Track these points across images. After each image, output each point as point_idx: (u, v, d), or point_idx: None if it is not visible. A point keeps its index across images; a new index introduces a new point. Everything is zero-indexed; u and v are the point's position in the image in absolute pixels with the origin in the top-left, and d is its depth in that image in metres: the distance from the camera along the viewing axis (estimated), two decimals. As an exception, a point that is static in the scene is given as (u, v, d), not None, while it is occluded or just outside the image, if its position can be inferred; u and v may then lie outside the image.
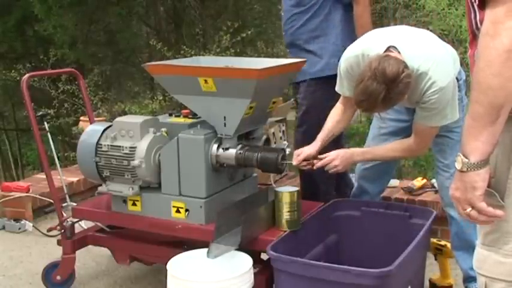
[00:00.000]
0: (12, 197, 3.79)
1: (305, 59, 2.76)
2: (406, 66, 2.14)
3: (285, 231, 2.34)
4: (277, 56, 8.58)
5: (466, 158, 1.28)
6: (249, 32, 7.46)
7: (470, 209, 1.31)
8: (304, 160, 2.50)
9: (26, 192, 3.80)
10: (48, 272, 2.81)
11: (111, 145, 2.50)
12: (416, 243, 2.14)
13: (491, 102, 1.22)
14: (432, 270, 2.77)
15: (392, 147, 2.50)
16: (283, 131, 3.98)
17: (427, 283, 2.65)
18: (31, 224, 3.72)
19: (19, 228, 3.70)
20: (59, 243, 2.84)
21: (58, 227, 2.85)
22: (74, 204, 3.08)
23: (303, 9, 2.99)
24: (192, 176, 2.44)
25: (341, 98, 2.60)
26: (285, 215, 2.35)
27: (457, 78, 2.37)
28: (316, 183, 3.14)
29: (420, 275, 2.41)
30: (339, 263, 2.08)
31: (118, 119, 2.59)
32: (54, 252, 3.12)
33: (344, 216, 2.61)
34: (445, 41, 2.54)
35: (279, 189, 2.40)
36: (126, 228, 2.70)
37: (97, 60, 9.52)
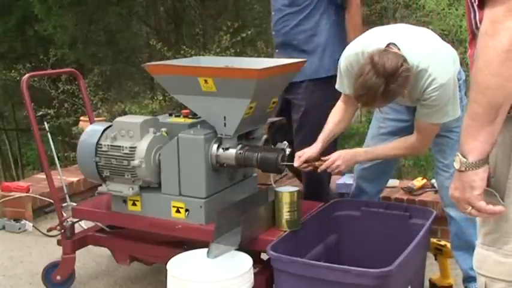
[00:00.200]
0: (12, 197, 3.79)
1: (305, 59, 2.76)
2: (405, 60, 2.14)
3: (285, 231, 2.34)
4: (277, 56, 8.54)
5: (465, 157, 1.28)
6: (249, 32, 7.46)
7: (470, 208, 1.31)
8: (306, 162, 2.49)
9: (26, 192, 3.80)
10: (48, 272, 2.81)
11: (111, 145, 2.50)
12: (416, 243, 2.14)
13: (489, 102, 1.22)
14: (432, 270, 2.77)
15: (394, 146, 2.49)
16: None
17: (427, 283, 2.65)
18: (31, 224, 3.72)
19: (19, 228, 3.70)
20: (59, 243, 2.84)
21: (58, 227, 2.85)
22: (74, 204, 3.08)
23: (296, 9, 2.99)
24: (192, 176, 2.44)
25: (342, 96, 2.60)
26: (285, 215, 2.35)
27: (457, 79, 2.37)
28: (322, 183, 3.15)
29: (420, 275, 2.41)
30: (339, 263, 2.08)
31: (118, 119, 2.59)
32: (54, 252, 3.12)
33: (344, 216, 2.61)
34: (445, 41, 2.54)
35: (279, 189, 2.40)
36: (126, 228, 2.70)
37: (97, 60, 9.52)
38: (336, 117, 2.60)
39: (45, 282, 2.82)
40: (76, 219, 2.86)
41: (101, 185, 2.62)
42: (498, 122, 1.24)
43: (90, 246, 2.92)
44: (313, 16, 2.99)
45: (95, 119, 3.22)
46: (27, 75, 2.86)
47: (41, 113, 3.09)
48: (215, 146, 2.44)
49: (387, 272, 1.89)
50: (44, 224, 3.73)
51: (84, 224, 3.11)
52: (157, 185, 2.53)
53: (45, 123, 3.06)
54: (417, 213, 2.51)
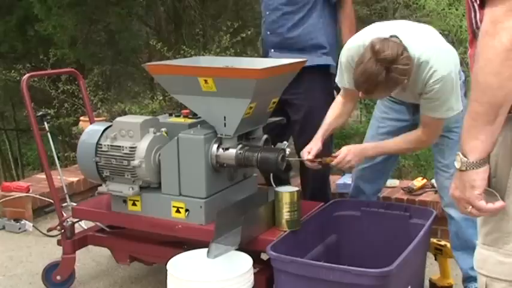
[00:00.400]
0: (12, 197, 3.79)
1: (305, 59, 2.76)
2: (405, 49, 2.16)
3: (285, 231, 2.34)
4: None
5: (465, 157, 1.28)
6: (249, 32, 7.45)
7: (470, 207, 1.31)
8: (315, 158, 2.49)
9: (26, 192, 3.80)
10: (48, 272, 2.81)
11: (111, 145, 2.50)
12: (416, 243, 2.14)
13: (490, 101, 1.22)
14: (432, 270, 2.77)
15: (403, 140, 2.48)
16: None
17: (427, 283, 2.65)
18: (31, 224, 3.72)
19: (19, 228, 3.70)
20: (59, 243, 2.84)
21: (58, 227, 2.85)
22: (74, 204, 3.07)
23: (294, 9, 2.98)
24: (192, 176, 2.44)
25: (341, 91, 2.60)
26: (285, 215, 2.36)
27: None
28: (326, 183, 3.15)
29: (420, 275, 2.42)
30: (339, 263, 2.08)
31: (118, 119, 2.59)
32: (54, 252, 3.12)
33: (344, 216, 2.61)
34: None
35: (279, 189, 2.40)
36: (126, 228, 2.70)
37: (97, 60, 9.51)
38: (335, 112, 2.60)
39: (45, 282, 2.82)
40: (76, 219, 2.86)
41: (100, 185, 2.62)
42: (499, 122, 1.24)
43: (90, 246, 2.92)
44: (310, 15, 2.99)
45: (95, 119, 3.21)
46: (27, 75, 2.87)
47: (41, 113, 3.08)
48: (215, 146, 2.44)
49: (387, 272, 1.89)
50: (44, 224, 3.73)
51: (84, 224, 3.11)
52: (157, 185, 2.53)
53: (45, 123, 3.06)
54: (417, 213, 2.51)
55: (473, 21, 1.32)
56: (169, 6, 10.34)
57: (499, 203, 1.30)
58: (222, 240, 2.26)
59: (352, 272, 1.91)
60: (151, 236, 2.61)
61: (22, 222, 3.72)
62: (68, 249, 2.77)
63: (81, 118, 5.54)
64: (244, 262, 2.20)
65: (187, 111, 2.61)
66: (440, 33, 2.47)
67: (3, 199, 3.79)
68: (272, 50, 3.09)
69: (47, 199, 3.74)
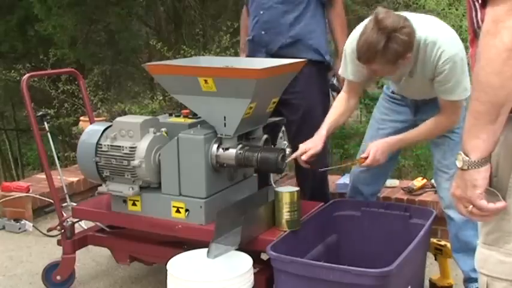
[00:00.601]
0: (12, 197, 3.79)
1: (305, 59, 2.76)
2: (407, 21, 2.18)
3: (285, 231, 2.34)
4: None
5: (467, 156, 1.28)
6: (249, 32, 7.46)
7: (471, 207, 1.31)
8: (311, 157, 2.47)
9: (26, 192, 3.80)
10: (48, 272, 2.81)
11: (111, 145, 2.50)
12: (416, 243, 2.14)
13: (491, 100, 1.22)
14: (432, 270, 2.77)
15: (426, 128, 2.45)
16: (283, 131, 3.97)
17: (427, 283, 2.65)
18: (31, 224, 3.72)
19: (19, 228, 3.70)
20: (59, 243, 2.84)
21: (58, 227, 2.85)
22: (74, 204, 3.07)
23: (290, 8, 2.98)
24: (192, 176, 2.44)
25: (345, 85, 2.61)
26: (285, 215, 2.35)
27: None
28: (326, 183, 3.15)
29: (420, 275, 2.42)
30: (339, 263, 2.08)
31: (118, 119, 2.59)
32: (54, 252, 3.12)
33: (344, 216, 2.61)
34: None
35: (279, 189, 2.40)
36: (126, 228, 2.70)
37: (97, 60, 9.51)
38: (338, 108, 2.60)
39: (45, 282, 2.82)
40: (76, 219, 2.86)
41: (100, 185, 2.62)
42: (500, 121, 1.24)
43: (90, 246, 2.92)
44: (305, 15, 2.99)
45: (95, 119, 3.21)
46: (27, 75, 2.87)
47: (41, 113, 3.08)
48: (215, 146, 2.44)
49: (387, 272, 1.89)
50: (44, 224, 3.73)
51: (84, 224, 3.11)
52: (157, 185, 2.53)
53: (45, 123, 3.06)
54: (417, 213, 2.51)
55: (474, 20, 1.32)
56: (169, 6, 10.33)
57: (500, 203, 1.30)
58: (222, 240, 2.26)
59: (352, 272, 1.91)
60: (151, 236, 2.61)
61: (22, 222, 3.72)
62: (68, 249, 2.77)
63: (81, 118, 5.54)
64: (244, 262, 2.20)
65: (187, 111, 2.61)
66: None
67: (3, 199, 3.79)
68: (265, 50, 3.06)
69: (47, 199, 3.74)
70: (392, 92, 2.70)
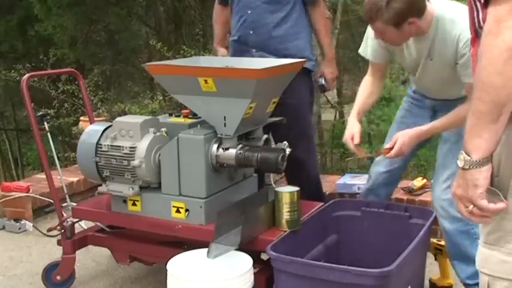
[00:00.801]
0: (12, 197, 3.79)
1: (305, 59, 2.76)
2: None
3: (285, 231, 2.34)
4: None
5: (468, 155, 1.28)
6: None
7: (471, 206, 1.31)
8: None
9: (26, 192, 3.80)
10: (48, 272, 2.81)
11: (111, 145, 2.50)
12: (416, 243, 2.14)
13: (493, 100, 1.22)
14: (432, 270, 2.77)
15: (454, 115, 2.37)
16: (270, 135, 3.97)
17: (427, 283, 2.65)
18: (31, 224, 3.72)
19: (19, 228, 3.70)
20: (59, 243, 2.84)
21: (58, 227, 2.85)
22: (74, 204, 3.08)
23: (277, 7, 2.99)
24: (192, 176, 2.44)
25: (369, 69, 2.63)
26: (285, 215, 2.35)
27: None
28: (320, 184, 3.15)
29: (420, 275, 2.41)
30: (339, 263, 2.08)
31: (118, 119, 2.59)
32: (54, 252, 3.12)
33: (344, 216, 2.61)
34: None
35: (279, 189, 2.40)
36: (126, 228, 2.70)
37: (97, 60, 9.51)
38: (365, 91, 2.62)
39: (45, 282, 2.82)
40: (76, 219, 2.86)
41: (100, 185, 2.62)
42: (502, 121, 1.24)
43: (90, 246, 2.92)
44: (291, 14, 3.02)
45: (95, 119, 3.21)
46: (27, 75, 2.86)
47: (41, 113, 3.08)
48: (215, 146, 2.44)
49: (387, 272, 1.89)
50: (44, 224, 3.73)
51: (84, 224, 3.11)
52: (157, 185, 2.53)
53: (45, 123, 3.06)
54: (417, 213, 2.51)
55: (476, 20, 1.32)
56: (169, 6, 10.34)
57: (500, 204, 1.30)
58: (222, 240, 2.26)
59: (352, 272, 1.91)
60: (151, 236, 2.61)
61: (22, 222, 3.72)
62: (68, 249, 2.77)
63: (81, 118, 5.54)
64: (244, 262, 2.20)
65: (187, 111, 2.61)
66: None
67: (3, 199, 3.79)
68: (254, 50, 3.08)
69: (47, 199, 3.74)
70: (414, 92, 2.69)
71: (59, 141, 9.23)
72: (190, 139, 2.43)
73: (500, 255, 1.36)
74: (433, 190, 2.61)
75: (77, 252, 2.81)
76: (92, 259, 3.22)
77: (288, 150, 2.51)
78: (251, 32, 3.06)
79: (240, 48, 3.11)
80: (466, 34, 2.20)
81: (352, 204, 2.66)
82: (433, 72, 2.43)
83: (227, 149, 2.44)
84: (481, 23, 1.29)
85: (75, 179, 4.03)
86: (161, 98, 7.15)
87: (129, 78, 11.20)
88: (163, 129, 2.55)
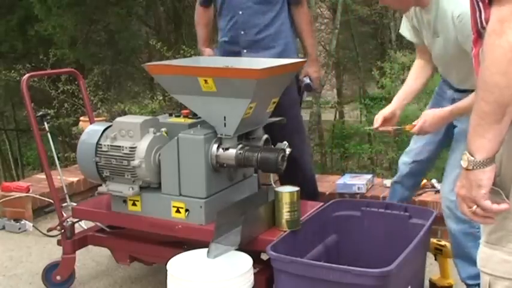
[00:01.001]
0: (12, 197, 3.79)
1: (305, 59, 2.77)
2: None
3: (285, 231, 2.34)
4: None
5: (472, 156, 1.28)
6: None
7: (475, 207, 1.31)
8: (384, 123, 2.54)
9: (26, 192, 3.80)
10: (48, 272, 2.81)
11: (111, 145, 2.50)
12: (416, 243, 2.14)
13: (497, 100, 1.22)
14: (432, 270, 2.77)
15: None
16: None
17: (427, 283, 2.65)
18: (31, 224, 3.72)
19: (19, 228, 3.70)
20: (59, 243, 2.84)
21: (58, 227, 2.85)
22: (74, 204, 3.08)
23: (269, 8, 3.02)
24: (192, 176, 2.44)
25: (417, 52, 2.66)
26: (285, 215, 2.35)
27: None
28: (316, 184, 3.15)
29: (420, 275, 2.41)
30: (339, 263, 2.08)
31: (118, 119, 2.59)
32: (54, 252, 3.12)
33: (344, 216, 2.61)
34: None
35: (279, 189, 2.40)
36: (126, 228, 2.70)
37: (97, 60, 9.52)
38: (413, 75, 2.64)
39: (45, 282, 2.82)
40: (76, 219, 2.86)
41: (101, 185, 2.62)
42: (506, 121, 1.24)
43: (90, 246, 2.92)
44: (281, 14, 3.07)
45: (95, 119, 3.21)
46: (27, 75, 2.86)
47: (41, 113, 3.08)
48: (215, 146, 2.44)
49: (387, 272, 1.89)
50: (44, 224, 3.73)
51: (84, 224, 3.11)
52: (157, 185, 2.53)
53: (45, 123, 3.06)
54: (417, 213, 2.51)
55: (478, 20, 1.32)
56: (169, 6, 10.34)
57: (503, 205, 1.30)
58: (222, 240, 2.26)
59: (352, 272, 1.91)
60: (151, 236, 2.61)
61: (22, 222, 3.72)
62: (68, 249, 2.77)
63: (81, 118, 5.54)
64: (244, 262, 2.20)
65: (187, 111, 2.61)
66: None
67: (3, 199, 3.78)
68: (245, 51, 3.11)
69: (47, 199, 3.74)
70: (442, 81, 2.68)
71: (59, 141, 9.24)
72: (190, 139, 2.43)
73: (501, 255, 1.36)
74: (442, 189, 2.63)
75: (77, 252, 2.81)
76: (92, 259, 3.22)
77: (288, 150, 2.51)
78: (242, 32, 3.11)
79: (231, 49, 3.16)
80: (458, 9, 2.21)
81: (352, 204, 2.66)
82: (441, 49, 2.44)
83: (227, 149, 2.44)
84: (484, 23, 1.29)
85: (75, 179, 4.03)
86: (161, 98, 7.17)
87: (129, 78, 11.22)
88: (163, 129, 2.55)
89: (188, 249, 2.35)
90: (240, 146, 2.47)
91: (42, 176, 3.82)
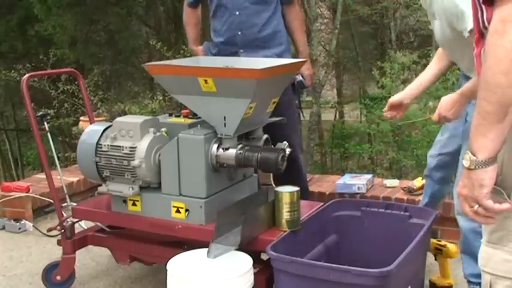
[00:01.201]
0: (12, 197, 3.79)
1: (305, 59, 2.77)
2: None
3: (285, 231, 2.34)
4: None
5: (474, 155, 1.28)
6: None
7: (476, 206, 1.31)
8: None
9: (26, 192, 3.80)
10: (48, 272, 2.81)
11: (111, 145, 2.50)
12: (416, 243, 2.14)
13: (499, 100, 1.22)
14: (432, 270, 2.77)
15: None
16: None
17: (427, 283, 2.65)
18: (31, 224, 3.72)
19: (19, 228, 3.70)
20: (59, 243, 2.84)
21: (58, 227, 2.85)
22: (74, 204, 3.08)
23: (265, 7, 3.04)
24: (192, 176, 2.44)
25: None
26: (285, 215, 2.35)
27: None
28: (307, 182, 3.16)
29: (420, 275, 2.41)
30: (339, 263, 2.08)
31: (118, 119, 2.59)
32: (54, 252, 3.12)
33: (344, 216, 2.61)
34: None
35: (279, 189, 2.40)
36: (126, 228, 2.70)
37: (97, 60, 9.53)
38: (430, 63, 2.63)
39: (45, 282, 2.82)
40: (76, 219, 2.86)
41: (100, 185, 2.62)
42: (508, 120, 1.24)
43: (90, 246, 2.92)
44: (276, 13, 3.10)
45: (95, 119, 3.21)
46: (27, 75, 2.86)
47: (41, 113, 3.08)
48: (215, 146, 2.44)
49: (387, 272, 1.89)
50: (44, 224, 3.73)
51: (84, 224, 3.11)
52: (157, 185, 2.53)
53: (45, 123, 3.06)
54: (417, 213, 2.51)
55: (480, 20, 1.32)
56: (169, 6, 10.35)
57: (505, 205, 1.30)
58: (222, 240, 2.26)
59: (352, 272, 1.91)
60: (151, 236, 2.61)
61: (22, 222, 3.72)
62: (68, 249, 2.77)
63: (81, 118, 5.54)
64: (244, 262, 2.20)
65: (187, 111, 2.61)
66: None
67: (3, 199, 3.78)
68: (241, 51, 3.12)
69: (47, 199, 3.74)
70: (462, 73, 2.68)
71: (59, 141, 9.24)
72: (190, 139, 2.43)
73: (503, 254, 1.36)
74: (454, 186, 2.64)
75: (77, 252, 2.81)
76: (92, 259, 3.22)
77: (288, 150, 2.51)
78: (239, 32, 3.12)
79: (227, 49, 3.16)
80: None
81: (352, 204, 2.66)
82: (439, 32, 2.43)
83: (227, 149, 2.44)
84: (486, 23, 1.29)
85: (75, 179, 4.03)
86: (161, 98, 7.17)
87: (129, 78, 11.22)
88: (163, 129, 2.55)
89: (188, 249, 2.35)
90: (240, 146, 2.47)
91: (42, 176, 3.82)
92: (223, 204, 2.45)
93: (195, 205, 2.44)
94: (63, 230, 2.77)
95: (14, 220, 3.74)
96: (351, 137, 12.47)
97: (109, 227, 2.81)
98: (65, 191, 3.21)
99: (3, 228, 3.74)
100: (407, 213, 2.52)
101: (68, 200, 3.16)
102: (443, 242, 2.65)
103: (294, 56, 3.31)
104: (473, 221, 2.43)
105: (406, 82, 8.86)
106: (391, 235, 2.47)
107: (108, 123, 2.63)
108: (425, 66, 2.81)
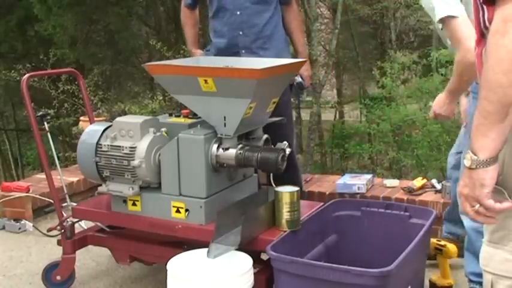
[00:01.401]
0: (12, 197, 3.79)
1: (305, 59, 2.77)
2: None
3: (285, 231, 2.34)
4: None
5: (475, 155, 1.28)
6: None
7: (477, 206, 1.31)
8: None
9: (26, 192, 3.80)
10: (48, 272, 2.81)
11: (111, 145, 2.50)
12: (416, 243, 2.14)
13: (500, 100, 1.22)
14: (432, 270, 2.77)
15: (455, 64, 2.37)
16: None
17: (427, 283, 2.65)
18: (31, 224, 3.72)
19: (19, 228, 3.70)
20: (59, 243, 2.84)
21: (58, 227, 2.85)
22: (74, 204, 3.07)
23: (266, 7, 3.05)
24: (192, 176, 2.44)
25: None
26: (285, 215, 2.35)
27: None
28: (298, 174, 3.18)
29: (420, 275, 2.41)
30: (339, 263, 2.08)
31: (118, 119, 2.59)
32: (54, 252, 3.12)
33: (344, 216, 2.61)
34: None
35: (279, 189, 2.40)
36: (126, 228, 2.70)
37: (97, 60, 9.53)
38: None
39: (45, 282, 2.82)
40: (76, 219, 2.86)
41: (100, 185, 2.62)
42: (509, 120, 1.24)
43: (90, 246, 2.92)
44: (276, 13, 3.11)
45: (95, 119, 3.21)
46: (27, 75, 2.86)
47: (41, 113, 3.08)
48: (215, 146, 2.44)
49: (387, 272, 1.89)
50: (44, 224, 3.73)
51: (84, 224, 3.11)
52: (157, 185, 2.53)
53: (45, 123, 3.06)
54: (417, 213, 2.51)
55: (481, 20, 1.32)
56: (169, 6, 10.34)
57: (506, 204, 1.30)
58: (222, 240, 2.26)
59: (352, 272, 1.91)
60: (151, 236, 2.61)
61: (22, 222, 3.72)
62: (68, 249, 2.77)
63: (81, 118, 5.54)
64: (244, 262, 2.20)
65: (187, 111, 2.61)
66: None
67: (3, 199, 3.78)
68: (243, 51, 3.12)
69: (47, 199, 3.74)
70: None
71: (59, 141, 9.24)
72: (190, 139, 2.43)
73: (504, 254, 1.36)
74: (456, 186, 2.64)
75: (77, 252, 2.81)
76: (92, 259, 3.22)
77: (288, 150, 2.51)
78: (240, 33, 3.12)
79: (228, 50, 3.16)
80: None
81: (352, 204, 2.66)
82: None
83: (227, 149, 2.44)
84: (486, 23, 1.29)
85: (75, 179, 4.03)
86: (161, 98, 7.17)
87: (129, 78, 11.22)
88: (163, 129, 2.55)
89: (188, 249, 2.35)
90: (240, 146, 2.47)
91: (42, 176, 3.82)
92: (223, 204, 2.45)
93: (195, 205, 2.44)
94: (63, 230, 2.77)
95: (14, 220, 3.74)
96: (351, 137, 12.47)
97: (109, 227, 2.81)
98: (65, 191, 3.21)
99: (3, 228, 3.74)
100: (407, 213, 2.52)
101: (68, 200, 3.16)
102: (443, 242, 2.66)
103: (293, 57, 3.32)
104: (475, 221, 2.44)
105: (406, 82, 8.87)
106: (391, 235, 2.47)
107: (108, 123, 2.63)
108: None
